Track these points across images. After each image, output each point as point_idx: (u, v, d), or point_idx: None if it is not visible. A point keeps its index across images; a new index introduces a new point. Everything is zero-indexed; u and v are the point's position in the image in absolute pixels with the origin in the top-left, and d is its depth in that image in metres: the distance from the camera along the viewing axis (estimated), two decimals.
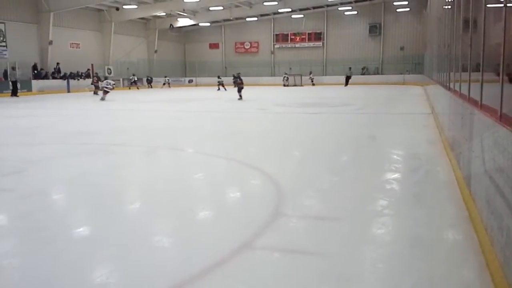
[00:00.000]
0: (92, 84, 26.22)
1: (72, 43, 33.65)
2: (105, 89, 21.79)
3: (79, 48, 34.21)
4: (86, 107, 19.05)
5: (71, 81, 30.60)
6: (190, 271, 3.05)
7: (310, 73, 38.65)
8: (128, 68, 37.96)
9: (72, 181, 5.84)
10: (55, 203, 5.12)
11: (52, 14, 30.20)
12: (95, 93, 24.97)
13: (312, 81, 38.00)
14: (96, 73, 28.03)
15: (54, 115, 15.61)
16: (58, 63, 30.74)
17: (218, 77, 33.03)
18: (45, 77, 29.84)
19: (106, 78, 25.26)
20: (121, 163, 7.11)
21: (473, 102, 4.53)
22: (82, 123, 13.20)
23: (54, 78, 29.75)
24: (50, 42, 30.56)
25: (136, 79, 36.86)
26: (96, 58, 35.48)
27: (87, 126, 12.08)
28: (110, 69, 35.59)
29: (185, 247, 3.58)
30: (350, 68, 36.68)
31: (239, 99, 20.19)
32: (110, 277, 3.06)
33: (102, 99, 21.54)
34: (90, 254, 3.42)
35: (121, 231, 3.94)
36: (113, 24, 36.28)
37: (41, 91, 28.11)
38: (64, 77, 30.61)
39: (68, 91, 28.31)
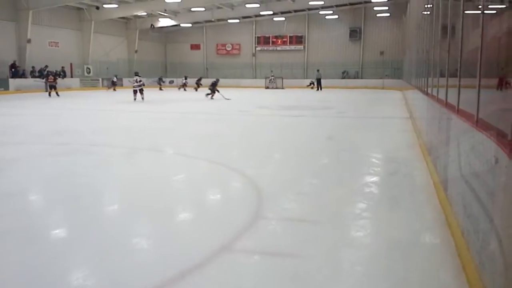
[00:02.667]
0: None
1: (51, 42, 33.05)
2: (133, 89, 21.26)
3: (58, 47, 33.64)
4: (65, 107, 18.78)
5: None
6: (169, 273, 3.04)
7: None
8: (107, 68, 37.48)
9: (50, 181, 5.76)
10: (33, 204, 5.03)
11: (31, 12, 29.63)
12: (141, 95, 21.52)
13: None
14: (136, 72, 24.88)
15: (32, 114, 15.34)
16: (46, 66, 29.87)
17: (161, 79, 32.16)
18: (23, 75, 29.27)
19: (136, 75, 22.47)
20: (100, 164, 7.03)
21: (450, 107, 4.60)
22: (61, 123, 13.00)
23: (34, 77, 29.18)
24: (29, 41, 29.98)
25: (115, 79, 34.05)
26: (75, 57, 34.95)
27: (66, 126, 11.91)
28: (89, 68, 35.10)
29: (165, 249, 3.55)
30: (318, 70, 36.33)
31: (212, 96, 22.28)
32: (87, 279, 3.02)
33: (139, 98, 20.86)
34: (68, 255, 3.37)
35: (100, 232, 3.90)
36: (93, 23, 35.76)
37: (19, 90, 27.56)
38: (42, 76, 29.97)
39: (46, 90, 27.71)
